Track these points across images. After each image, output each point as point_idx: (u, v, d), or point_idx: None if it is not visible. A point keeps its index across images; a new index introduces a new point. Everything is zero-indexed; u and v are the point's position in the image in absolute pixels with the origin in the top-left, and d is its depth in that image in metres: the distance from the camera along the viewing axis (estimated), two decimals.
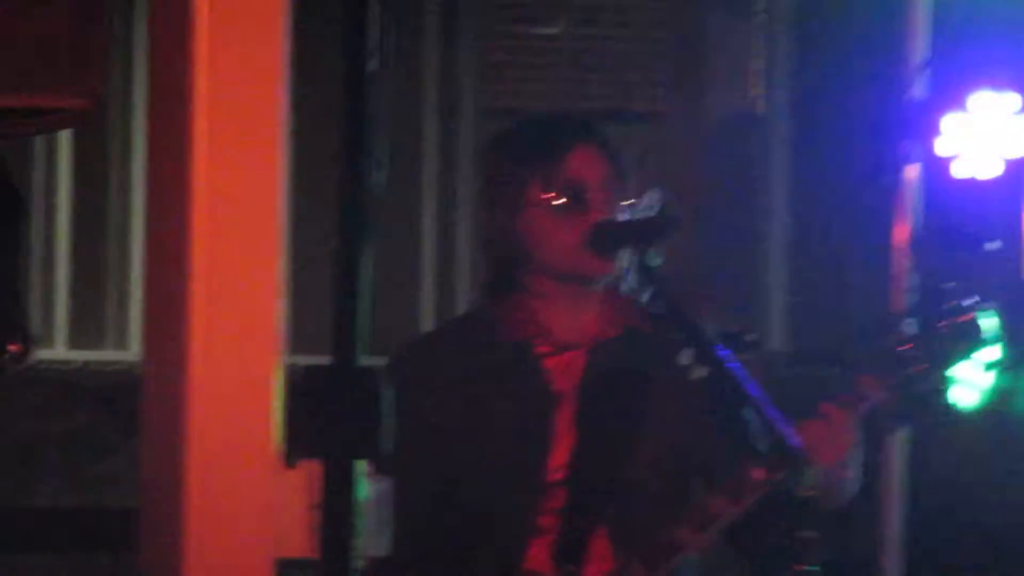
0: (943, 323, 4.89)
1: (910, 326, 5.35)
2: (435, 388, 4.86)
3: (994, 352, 5.98)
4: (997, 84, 7.47)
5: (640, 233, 4.67)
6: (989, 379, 6.08)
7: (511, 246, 4.85)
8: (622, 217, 4.72)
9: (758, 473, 4.58)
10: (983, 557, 8.10)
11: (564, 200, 4.70)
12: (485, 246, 5.04)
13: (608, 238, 4.65)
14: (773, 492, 4.60)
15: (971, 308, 4.83)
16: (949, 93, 7.55)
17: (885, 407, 4.97)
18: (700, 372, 4.54)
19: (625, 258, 4.72)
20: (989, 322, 4.93)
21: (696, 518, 4.65)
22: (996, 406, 7.16)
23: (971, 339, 4.91)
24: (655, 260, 4.61)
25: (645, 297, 4.65)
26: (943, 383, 4.91)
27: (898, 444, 7.63)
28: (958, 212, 7.69)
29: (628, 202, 4.76)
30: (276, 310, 4.08)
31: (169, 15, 4.15)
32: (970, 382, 6.78)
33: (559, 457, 4.78)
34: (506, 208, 4.83)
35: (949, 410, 6.09)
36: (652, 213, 4.71)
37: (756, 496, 4.60)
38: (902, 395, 4.96)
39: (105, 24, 4.23)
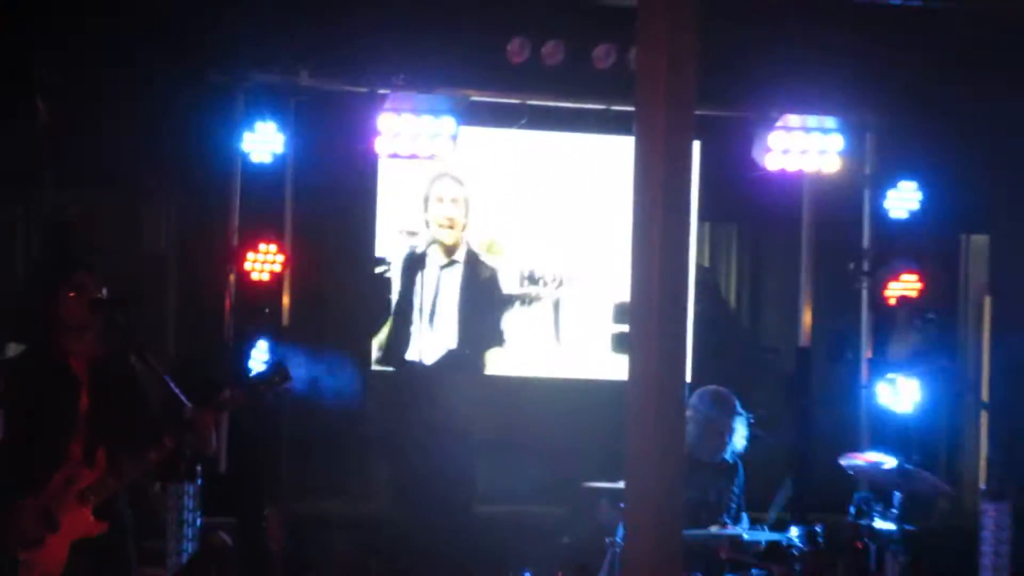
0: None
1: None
2: (31, 376, 5.49)
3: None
4: None
5: (115, 305, 5.44)
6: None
7: (48, 316, 5.48)
8: (102, 299, 5.42)
9: (169, 440, 5.34)
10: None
11: (78, 298, 5.41)
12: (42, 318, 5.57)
13: (96, 308, 5.43)
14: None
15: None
16: None
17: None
18: (143, 369, 5.44)
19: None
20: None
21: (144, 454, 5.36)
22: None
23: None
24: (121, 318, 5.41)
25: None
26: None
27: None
28: None
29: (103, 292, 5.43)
30: None
31: None
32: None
33: (82, 408, 5.47)
34: (52, 301, 5.47)
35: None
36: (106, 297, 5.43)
37: (170, 448, 5.35)
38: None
39: None
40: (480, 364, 9.19)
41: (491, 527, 8.68)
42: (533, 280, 9.25)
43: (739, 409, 7.49)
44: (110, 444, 5.49)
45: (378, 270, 9.07)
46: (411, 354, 9.18)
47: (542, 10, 8.31)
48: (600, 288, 9.36)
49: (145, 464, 5.45)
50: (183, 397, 5.36)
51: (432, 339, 9.15)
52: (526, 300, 9.27)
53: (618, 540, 7.03)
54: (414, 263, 9.10)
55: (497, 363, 9.25)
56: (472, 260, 9.19)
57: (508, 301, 9.23)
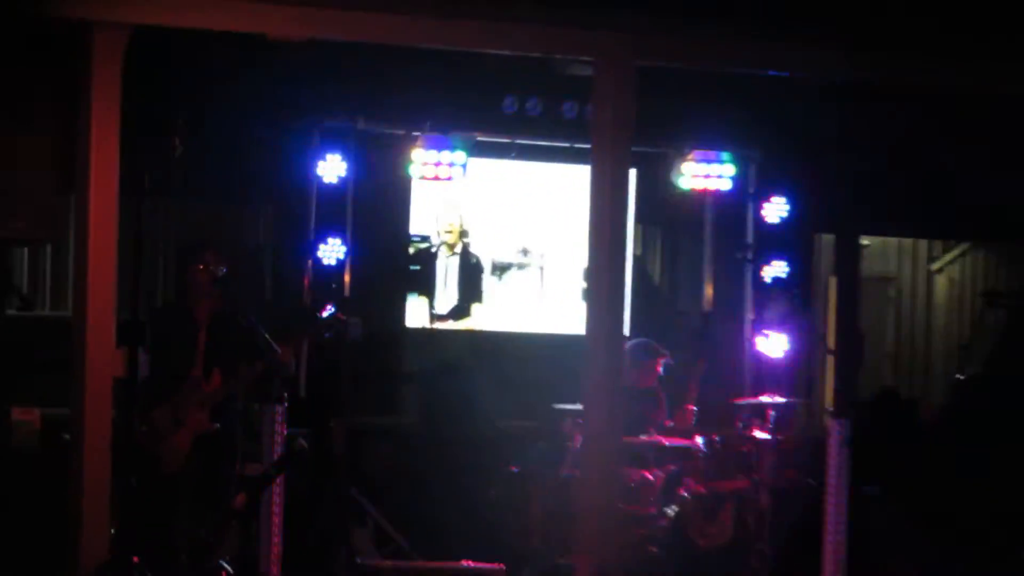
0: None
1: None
2: (168, 323, 5.79)
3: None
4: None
5: (229, 282, 5.69)
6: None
7: (187, 285, 5.80)
8: (221, 274, 5.72)
9: (259, 365, 5.62)
10: None
11: (204, 272, 5.73)
12: (178, 285, 6.04)
13: (219, 284, 5.66)
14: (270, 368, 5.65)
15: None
16: None
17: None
18: (245, 322, 5.65)
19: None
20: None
21: (243, 373, 5.67)
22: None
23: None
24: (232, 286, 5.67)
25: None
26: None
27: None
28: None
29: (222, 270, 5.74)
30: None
31: None
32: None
33: (200, 343, 5.76)
34: (186, 273, 5.84)
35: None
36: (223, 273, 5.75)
37: (261, 369, 5.55)
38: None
39: None
40: (471, 314, 9.28)
41: (488, 435, 8.47)
42: (525, 253, 9.33)
43: (661, 351, 7.58)
44: (221, 367, 5.63)
45: (416, 243, 9.11)
46: (432, 310, 9.25)
47: (527, 78, 8.31)
48: (572, 259, 9.37)
49: (244, 379, 5.58)
50: (275, 345, 5.47)
51: (444, 299, 9.24)
52: (521, 267, 9.30)
53: (576, 446, 7.08)
54: (431, 256, 9.20)
55: (487, 317, 9.28)
56: (465, 252, 9.26)
57: (498, 269, 9.32)
